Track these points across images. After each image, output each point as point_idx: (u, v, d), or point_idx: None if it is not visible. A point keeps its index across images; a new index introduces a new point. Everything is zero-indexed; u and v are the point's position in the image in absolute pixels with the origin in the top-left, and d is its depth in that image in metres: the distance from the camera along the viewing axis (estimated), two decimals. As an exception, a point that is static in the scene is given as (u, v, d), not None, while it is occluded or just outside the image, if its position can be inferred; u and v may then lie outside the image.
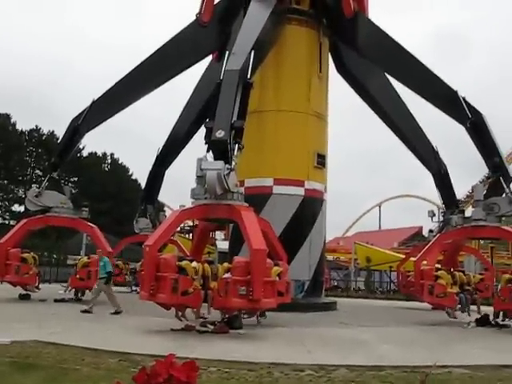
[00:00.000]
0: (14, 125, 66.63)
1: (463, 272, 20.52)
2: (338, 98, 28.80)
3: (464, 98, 20.19)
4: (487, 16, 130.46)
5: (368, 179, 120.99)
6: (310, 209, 22.36)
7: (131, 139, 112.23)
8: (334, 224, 70.98)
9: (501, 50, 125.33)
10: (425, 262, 19.43)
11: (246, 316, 14.65)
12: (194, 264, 14.48)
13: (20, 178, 66.31)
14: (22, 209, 58.69)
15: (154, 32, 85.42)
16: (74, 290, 22.01)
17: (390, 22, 41.29)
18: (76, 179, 66.93)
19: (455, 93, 20.42)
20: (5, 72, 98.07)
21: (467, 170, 73.42)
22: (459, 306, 18.15)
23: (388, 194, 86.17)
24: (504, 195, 19.00)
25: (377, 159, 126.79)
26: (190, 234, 49.16)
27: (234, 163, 14.91)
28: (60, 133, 43.48)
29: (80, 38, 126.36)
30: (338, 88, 26.37)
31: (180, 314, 14.46)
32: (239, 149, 15.57)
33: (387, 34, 21.83)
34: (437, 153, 25.95)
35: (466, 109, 19.94)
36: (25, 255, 21.18)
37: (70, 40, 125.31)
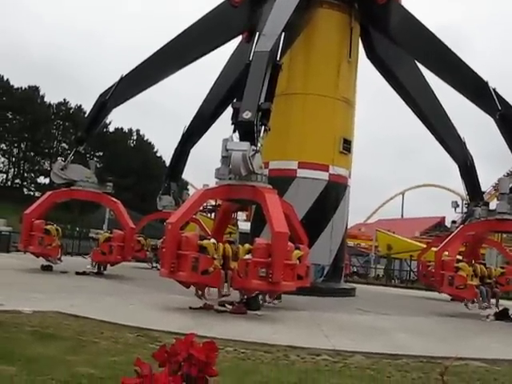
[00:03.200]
0: (42, 97, 67.30)
1: (484, 265, 20.35)
2: (369, 82, 28.55)
3: (494, 90, 19.88)
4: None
5: (395, 165, 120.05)
6: (333, 194, 22.29)
7: (158, 116, 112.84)
8: (357, 209, 70.80)
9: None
10: (446, 253, 19.30)
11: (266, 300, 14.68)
12: (215, 243, 14.53)
13: (46, 151, 67.08)
14: (47, 181, 59.48)
15: (190, 5, 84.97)
16: (96, 263, 22.26)
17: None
18: (101, 154, 67.55)
19: (486, 83, 20.11)
20: (35, 42, 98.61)
21: (494, 162, 72.48)
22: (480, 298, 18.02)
23: (414, 181, 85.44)
24: (530, 189, 18.75)
25: (406, 145, 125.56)
26: (213, 214, 49.31)
27: (259, 145, 14.89)
28: (87, 107, 43.73)
29: (113, 9, 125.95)
30: (369, 72, 26.15)
31: (200, 292, 14.55)
32: (265, 131, 15.54)
33: (420, 22, 21.55)
34: (464, 144, 25.68)
35: (496, 100, 19.64)
36: (48, 227, 21.45)
37: (102, 10, 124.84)
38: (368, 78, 27.11)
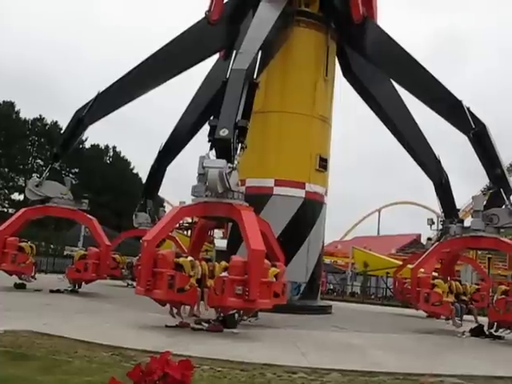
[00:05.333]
0: (17, 113, 66.64)
1: (460, 281, 20.51)
2: (348, 100, 28.78)
3: (468, 109, 20.17)
4: (487, 19, 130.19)
5: (372, 183, 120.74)
6: (309, 211, 22.35)
7: (135, 132, 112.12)
8: (334, 227, 70.96)
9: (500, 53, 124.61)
10: (422, 270, 19.45)
11: (243, 318, 14.62)
12: (192, 260, 14.47)
13: (21, 167, 66.31)
14: (21, 197, 58.72)
15: (165, 18, 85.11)
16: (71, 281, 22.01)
17: (391, 23, 41.13)
18: (77, 171, 66.97)
19: (460, 102, 20.40)
20: (9, 57, 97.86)
21: (468, 180, 73.32)
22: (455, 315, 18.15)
23: (391, 199, 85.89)
24: (504, 207, 18.99)
25: (383, 163, 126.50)
26: (189, 231, 49.11)
27: (236, 162, 14.92)
28: (64, 123, 43.45)
29: (89, 23, 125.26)
30: (347, 90, 26.38)
31: (175, 310, 14.45)
32: (242, 148, 15.58)
33: (395, 41, 21.81)
34: (439, 162, 25.96)
35: (470, 119, 19.93)
36: (22, 244, 21.18)
37: (78, 25, 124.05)
38: (347, 95, 27.35)
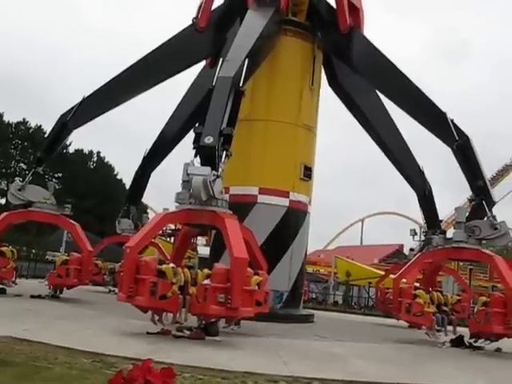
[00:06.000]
0: (1, 116, 66.14)
1: (441, 292, 20.62)
2: (333, 109, 28.92)
3: (452, 121, 20.34)
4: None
5: (356, 193, 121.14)
6: (293, 220, 22.38)
7: (119, 137, 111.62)
8: (318, 236, 71.09)
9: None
10: (404, 280, 19.53)
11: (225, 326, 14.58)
12: (174, 267, 14.42)
13: (4, 171, 65.75)
14: (3, 201, 58.20)
15: (154, 22, 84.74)
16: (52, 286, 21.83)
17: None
18: (60, 175, 66.54)
19: (444, 114, 20.56)
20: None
21: (451, 191, 73.88)
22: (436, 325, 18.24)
23: (374, 209, 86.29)
24: (486, 219, 19.15)
25: (367, 173, 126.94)
26: (172, 238, 48.94)
27: (220, 170, 14.91)
28: (48, 127, 43.24)
29: (76, 25, 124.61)
30: (333, 99, 26.50)
31: (157, 317, 14.38)
32: (227, 156, 15.58)
33: (381, 52, 21.96)
34: (422, 173, 26.12)
35: (454, 131, 20.11)
36: (3, 249, 21.01)
37: (65, 27, 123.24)
38: (332, 105, 27.48)
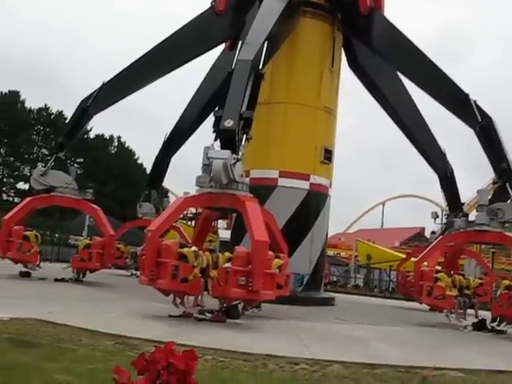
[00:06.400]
0: (22, 102, 66.67)
1: (463, 275, 20.49)
2: (355, 91, 28.70)
3: (475, 102, 20.06)
4: (491, 14, 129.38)
5: (377, 175, 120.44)
6: (313, 203, 22.35)
7: (139, 122, 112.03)
8: (338, 219, 70.94)
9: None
10: (425, 263, 19.43)
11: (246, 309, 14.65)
12: (196, 250, 14.50)
13: (26, 156, 66.39)
14: (26, 187, 58.82)
15: (173, 6, 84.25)
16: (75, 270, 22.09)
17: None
18: (82, 160, 67.04)
19: (466, 96, 20.27)
20: (16, 45, 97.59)
21: (473, 173, 73.11)
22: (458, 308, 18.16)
23: (396, 191, 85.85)
24: (509, 201, 18.93)
25: (388, 156, 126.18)
26: (193, 222, 49.18)
27: (240, 153, 14.91)
28: (69, 113, 43.38)
29: (96, 10, 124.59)
30: (355, 81, 26.32)
31: (179, 300, 14.50)
32: (247, 139, 15.57)
33: (402, 33, 21.67)
34: (444, 155, 25.89)
35: (477, 112, 19.84)
36: (27, 233, 21.25)
37: (86, 12, 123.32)
38: (354, 87, 27.28)
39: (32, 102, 67.11)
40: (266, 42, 17.69)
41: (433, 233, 29.39)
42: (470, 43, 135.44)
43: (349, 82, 26.34)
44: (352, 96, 33.82)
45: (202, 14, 23.27)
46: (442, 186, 26.22)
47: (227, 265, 13.65)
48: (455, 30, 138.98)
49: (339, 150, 24.97)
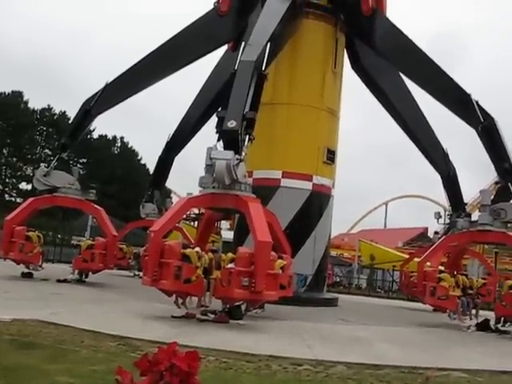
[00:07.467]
0: (26, 103, 66.74)
1: (466, 276, 20.47)
2: (357, 89, 28.62)
3: (477, 102, 20.04)
4: (487, 19, 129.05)
5: (380, 176, 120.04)
6: (316, 204, 22.34)
7: (142, 122, 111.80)
8: (341, 219, 70.67)
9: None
10: (428, 264, 19.41)
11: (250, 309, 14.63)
12: (198, 251, 14.49)
13: (29, 157, 66.43)
14: (29, 187, 58.92)
15: (177, 5, 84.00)
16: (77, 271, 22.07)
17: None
18: (85, 161, 67.06)
19: (468, 96, 20.26)
20: (19, 44, 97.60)
21: (476, 173, 72.92)
22: (461, 309, 18.13)
23: (399, 192, 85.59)
24: (512, 201, 18.92)
25: (392, 156, 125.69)
26: (196, 222, 49.17)
27: (243, 154, 14.90)
28: (72, 113, 43.29)
29: (99, 9, 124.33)
30: (356, 81, 26.29)
31: (181, 301, 14.49)
32: (250, 140, 15.56)
33: (404, 34, 21.67)
34: (447, 155, 25.84)
35: (479, 112, 19.81)
36: (30, 234, 21.25)
37: (88, 11, 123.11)
38: (356, 87, 27.24)
39: (35, 103, 67.20)
40: (268, 43, 17.68)
41: (436, 233, 29.37)
42: (467, 45, 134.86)
43: (353, 81, 26.30)
44: (356, 96, 33.80)
45: (205, 14, 23.29)
46: (445, 186, 26.18)
47: (230, 265, 13.64)
48: (452, 31, 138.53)
49: (343, 149, 24.99)
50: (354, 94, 31.12)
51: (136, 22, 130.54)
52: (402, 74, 24.37)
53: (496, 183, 21.07)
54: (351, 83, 26.39)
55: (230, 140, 14.83)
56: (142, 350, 8.44)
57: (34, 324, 10.38)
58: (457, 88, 20.78)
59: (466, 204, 27.57)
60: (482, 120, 19.72)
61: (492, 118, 19.84)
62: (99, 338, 9.60)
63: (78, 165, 60.98)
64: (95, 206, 23.60)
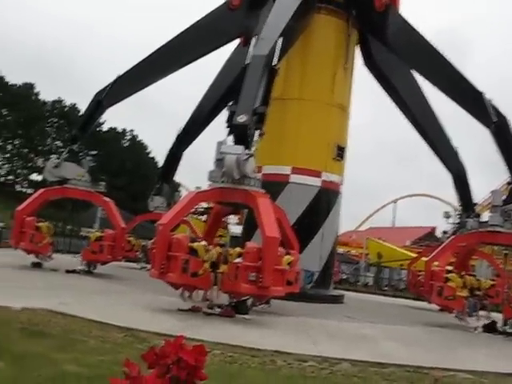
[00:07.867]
0: (37, 95, 66.99)
1: (474, 276, 20.37)
2: (370, 87, 28.52)
3: (490, 101, 19.91)
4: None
5: (390, 173, 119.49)
6: (325, 200, 22.30)
7: (152, 115, 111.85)
8: (349, 216, 70.54)
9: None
10: (436, 263, 19.34)
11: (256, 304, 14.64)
12: (206, 245, 14.51)
13: (40, 148, 66.72)
14: (40, 178, 59.11)
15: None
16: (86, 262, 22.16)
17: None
18: (95, 153, 67.24)
19: (481, 94, 20.13)
20: (31, 36, 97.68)
21: (485, 174, 72.51)
22: (467, 310, 18.06)
23: (409, 190, 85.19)
24: (523, 202, 18.79)
25: (401, 153, 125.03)
26: (204, 216, 49.20)
27: (253, 149, 14.89)
28: (82, 106, 43.62)
29: (112, 1, 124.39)
30: (367, 77, 26.18)
31: (187, 294, 14.52)
32: (260, 135, 15.55)
33: (417, 30, 21.53)
34: (457, 154, 25.72)
35: (492, 111, 19.67)
36: (40, 224, 21.36)
37: (100, 3, 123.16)
38: (367, 82, 27.12)
39: (46, 95, 67.53)
40: (280, 38, 17.63)
41: (444, 232, 29.27)
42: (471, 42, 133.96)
43: (362, 76, 26.19)
44: (365, 90, 33.66)
45: (216, 9, 23.26)
46: (455, 186, 26.06)
47: (238, 260, 13.66)
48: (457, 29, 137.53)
49: (353, 146, 24.93)
50: (364, 88, 30.98)
51: (149, 16, 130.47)
52: (414, 72, 24.25)
53: (508, 184, 20.90)
54: (360, 78, 26.30)
55: (240, 134, 14.82)
56: (149, 341, 8.48)
57: (43, 313, 10.46)
58: (470, 87, 20.64)
59: (475, 204, 27.42)
60: (495, 119, 19.58)
61: (505, 117, 19.72)
62: (107, 329, 9.67)
63: (88, 157, 61.04)
64: (104, 197, 23.69)
